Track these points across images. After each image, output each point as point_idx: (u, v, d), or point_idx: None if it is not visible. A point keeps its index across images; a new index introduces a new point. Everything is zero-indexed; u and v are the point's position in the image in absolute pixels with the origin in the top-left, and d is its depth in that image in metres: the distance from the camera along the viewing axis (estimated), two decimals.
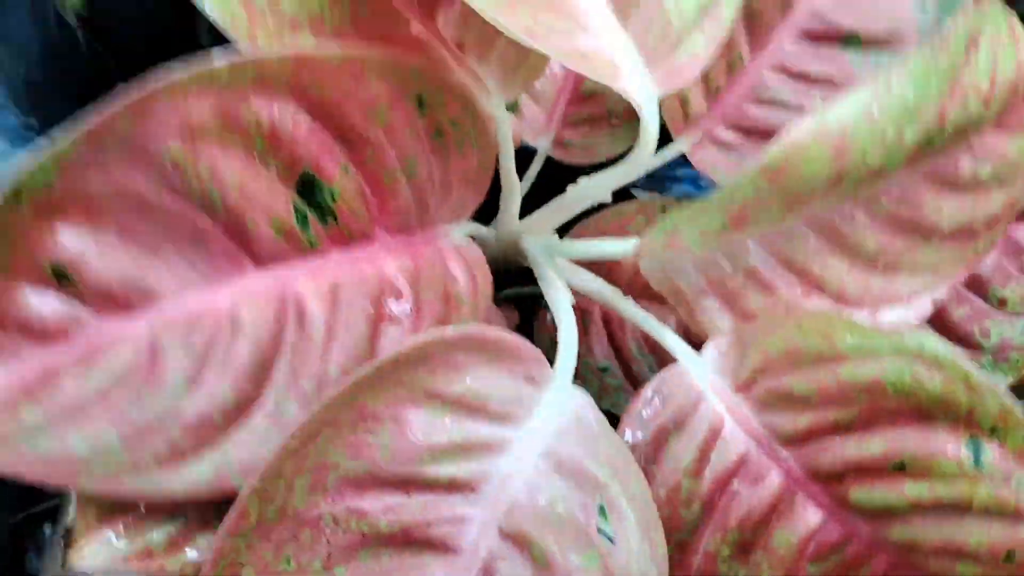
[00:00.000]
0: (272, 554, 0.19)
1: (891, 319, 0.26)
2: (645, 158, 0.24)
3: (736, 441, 0.24)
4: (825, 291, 0.26)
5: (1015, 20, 0.22)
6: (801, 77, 0.28)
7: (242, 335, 0.21)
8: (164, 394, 0.20)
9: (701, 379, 0.25)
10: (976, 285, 0.30)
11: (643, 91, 0.23)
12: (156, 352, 0.20)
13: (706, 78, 0.31)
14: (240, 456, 0.20)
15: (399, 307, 0.23)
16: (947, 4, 0.29)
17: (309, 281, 0.22)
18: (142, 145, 0.20)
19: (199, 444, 0.20)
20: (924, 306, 0.26)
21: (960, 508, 0.23)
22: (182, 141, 0.20)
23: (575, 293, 0.27)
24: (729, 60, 0.30)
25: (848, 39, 0.28)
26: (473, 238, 0.27)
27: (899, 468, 0.23)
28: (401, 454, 0.20)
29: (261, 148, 0.21)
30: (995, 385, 0.22)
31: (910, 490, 0.23)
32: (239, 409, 0.21)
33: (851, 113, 0.20)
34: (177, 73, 0.20)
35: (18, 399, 0.18)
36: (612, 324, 0.32)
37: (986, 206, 0.25)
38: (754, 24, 0.30)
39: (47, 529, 0.52)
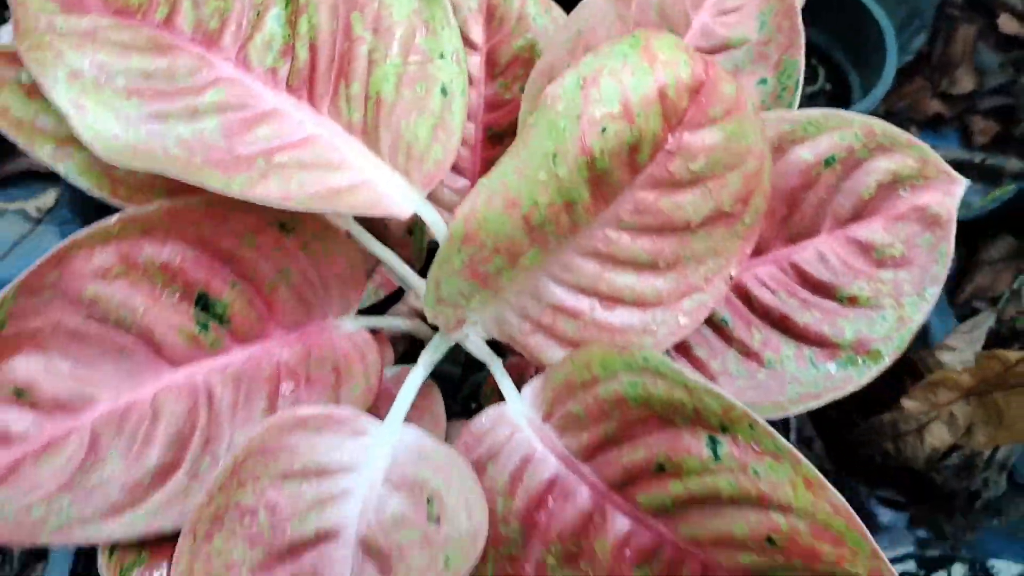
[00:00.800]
0: None
1: (692, 306, 0.28)
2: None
3: (547, 463, 0.28)
4: (624, 302, 0.28)
5: (656, 42, 0.25)
6: None
7: (162, 419, 0.28)
8: (104, 467, 0.28)
9: (517, 414, 0.29)
10: (821, 290, 0.31)
11: (409, 198, 0.28)
12: (96, 439, 0.27)
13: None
14: (166, 505, 0.27)
15: (288, 387, 0.31)
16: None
17: (216, 373, 0.29)
18: (65, 289, 0.27)
19: (134, 500, 0.27)
20: (719, 286, 0.28)
21: (714, 500, 0.25)
22: (97, 282, 0.27)
23: None
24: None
25: None
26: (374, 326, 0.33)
27: (660, 469, 0.25)
28: (280, 529, 0.26)
29: (161, 280, 0.28)
30: (711, 385, 0.24)
31: (672, 488, 0.25)
32: (163, 473, 0.28)
33: (505, 174, 0.24)
34: (83, 231, 0.27)
35: None
36: None
37: (725, 189, 0.27)
38: None
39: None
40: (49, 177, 0.77)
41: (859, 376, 0.30)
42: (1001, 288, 0.63)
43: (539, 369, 0.30)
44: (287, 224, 0.30)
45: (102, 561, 0.27)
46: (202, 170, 0.26)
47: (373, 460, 0.27)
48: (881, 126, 0.30)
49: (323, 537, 0.26)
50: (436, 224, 0.29)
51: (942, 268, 0.30)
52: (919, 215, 0.30)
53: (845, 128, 0.30)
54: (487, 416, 0.30)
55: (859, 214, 0.31)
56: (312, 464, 0.26)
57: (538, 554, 0.28)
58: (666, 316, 0.28)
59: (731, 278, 0.28)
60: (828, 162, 0.30)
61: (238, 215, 0.29)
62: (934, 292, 0.30)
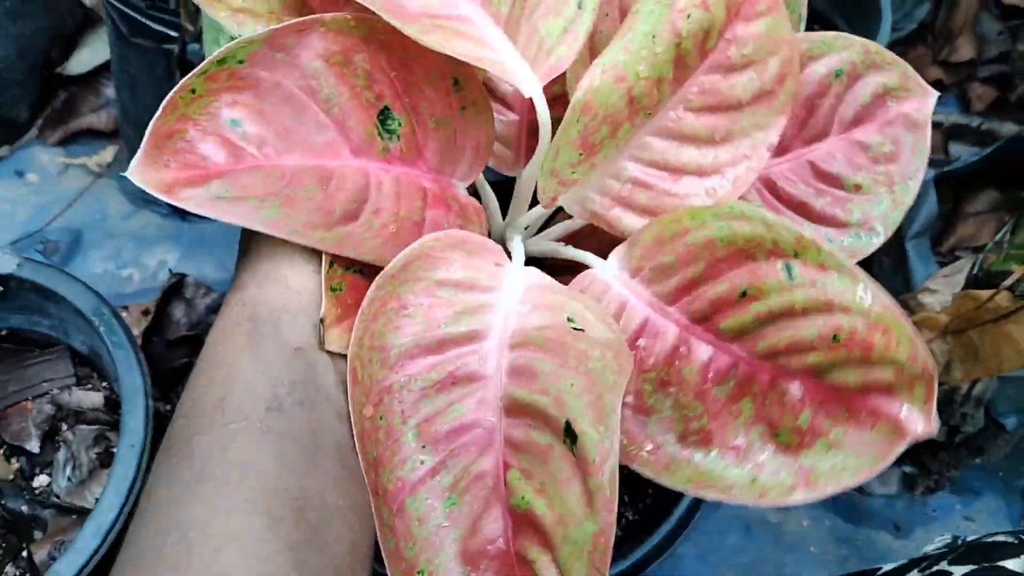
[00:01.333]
0: (371, 411, 0.29)
1: (740, 172, 0.35)
2: (547, 135, 0.35)
3: (638, 310, 0.34)
4: (687, 172, 0.35)
5: None
6: None
7: (346, 183, 0.31)
8: (303, 191, 0.30)
9: (607, 274, 0.35)
10: (831, 180, 0.39)
11: (530, 82, 0.34)
12: (295, 177, 0.30)
13: None
14: (348, 238, 0.31)
15: (432, 212, 0.34)
16: None
17: (383, 172, 0.33)
18: (296, 56, 0.30)
19: (326, 224, 0.30)
20: (763, 154, 0.35)
21: (791, 313, 0.31)
22: (321, 60, 0.31)
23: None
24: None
25: None
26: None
27: (743, 296, 0.32)
28: (431, 325, 0.30)
29: (364, 82, 0.32)
30: (785, 220, 0.31)
31: (755, 308, 0.32)
32: (346, 217, 0.31)
33: (614, 53, 0.31)
34: (326, 17, 0.31)
35: (211, 179, 0.29)
36: None
37: (767, 72, 0.34)
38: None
39: None
40: (108, 135, 0.81)
41: (865, 247, 0.38)
42: (984, 238, 0.69)
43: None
44: (459, 81, 0.34)
45: (324, 267, 0.30)
46: (383, 11, 0.30)
47: (511, 285, 0.33)
48: (874, 46, 0.38)
49: (471, 337, 0.31)
50: (544, 112, 0.35)
51: (921, 161, 0.39)
52: (903, 120, 0.39)
53: (849, 48, 0.38)
54: (580, 280, 0.36)
55: (859, 120, 0.39)
56: (465, 278, 0.31)
57: (636, 384, 0.33)
58: (722, 181, 0.35)
59: (771, 147, 0.35)
60: (837, 74, 0.38)
61: (428, 59, 0.33)
62: (916, 180, 0.38)
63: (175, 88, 0.28)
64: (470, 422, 0.30)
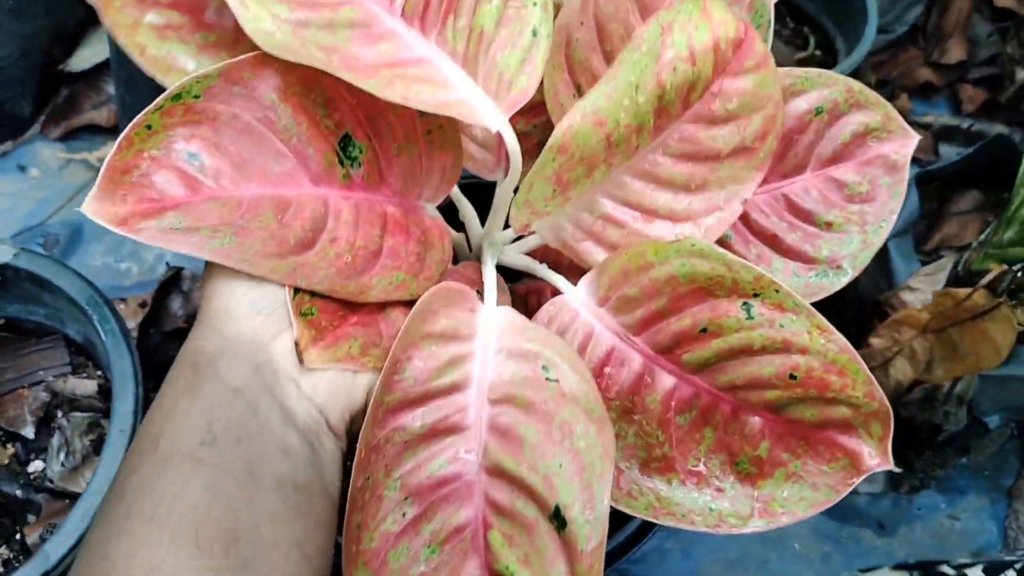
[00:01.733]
0: (360, 481, 0.30)
1: (712, 222, 0.36)
2: (517, 162, 0.36)
3: (604, 338, 0.35)
4: (660, 216, 0.36)
5: (711, 4, 0.32)
6: None
7: (301, 214, 0.31)
8: (257, 220, 0.30)
9: (576, 301, 0.36)
10: (803, 216, 0.39)
11: (495, 118, 0.34)
12: (252, 206, 0.30)
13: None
14: (302, 267, 0.31)
15: (392, 240, 0.34)
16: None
17: (342, 199, 0.33)
18: (253, 89, 0.30)
19: (281, 253, 0.30)
20: (736, 207, 0.36)
21: (749, 351, 0.32)
22: (278, 92, 0.31)
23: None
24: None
25: None
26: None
27: (704, 331, 0.33)
28: (417, 380, 0.31)
29: (323, 112, 0.32)
30: (745, 262, 0.32)
31: (714, 345, 0.33)
32: (301, 246, 0.31)
33: (596, 98, 0.31)
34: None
35: (166, 211, 0.29)
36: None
37: (749, 127, 0.35)
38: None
39: None
40: (109, 130, 0.82)
41: (830, 285, 0.39)
42: (968, 238, 0.68)
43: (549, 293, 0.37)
44: (427, 123, 0.35)
45: (288, 296, 0.31)
46: (340, 70, 0.31)
47: (486, 332, 0.33)
48: (858, 86, 0.39)
49: (452, 389, 0.32)
50: (512, 143, 0.35)
51: (897, 204, 0.39)
52: (882, 161, 0.39)
53: (832, 85, 0.38)
54: (552, 305, 0.36)
55: (837, 157, 0.40)
56: (448, 328, 0.32)
57: None
58: (693, 230, 0.36)
59: (745, 202, 0.36)
60: (818, 111, 0.39)
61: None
62: (890, 222, 0.39)
63: (130, 125, 0.29)
64: (451, 474, 0.31)
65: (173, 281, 0.71)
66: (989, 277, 0.52)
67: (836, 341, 0.31)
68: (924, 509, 0.69)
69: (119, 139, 0.28)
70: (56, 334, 0.60)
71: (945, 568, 0.40)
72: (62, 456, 0.56)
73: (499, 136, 0.35)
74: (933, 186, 0.70)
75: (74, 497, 0.55)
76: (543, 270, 0.38)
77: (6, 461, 0.56)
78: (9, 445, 0.57)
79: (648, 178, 0.36)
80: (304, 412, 0.31)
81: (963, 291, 0.52)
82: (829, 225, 0.39)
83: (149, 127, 0.29)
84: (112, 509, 0.28)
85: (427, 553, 0.30)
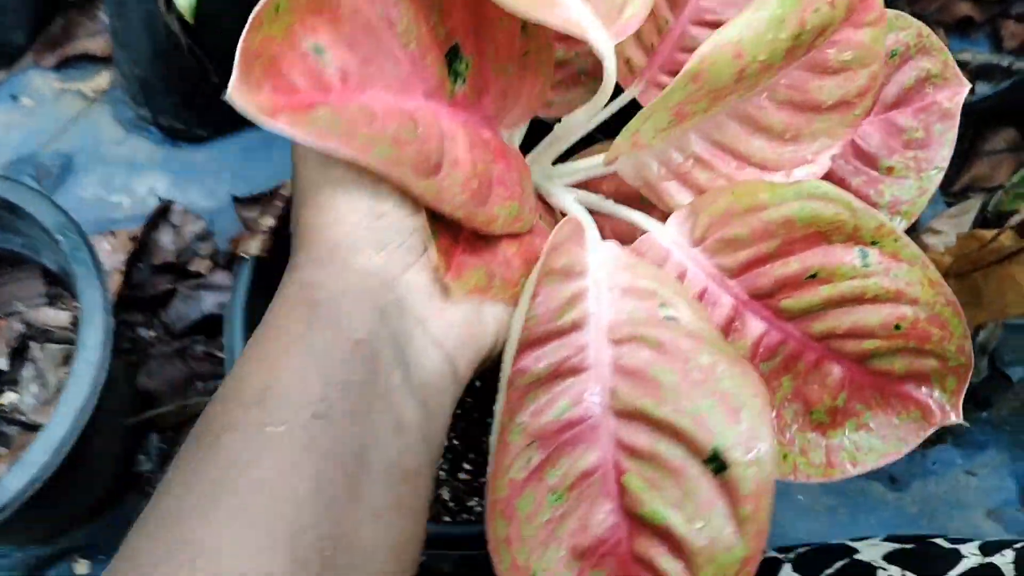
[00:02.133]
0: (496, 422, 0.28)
1: (802, 175, 0.35)
2: (609, 88, 0.33)
3: (697, 279, 0.33)
4: (752, 163, 0.34)
5: None
6: (716, 24, 0.37)
7: (429, 130, 0.28)
8: (407, 136, 0.26)
9: (667, 240, 0.34)
10: (868, 160, 0.39)
11: (602, 41, 0.32)
12: (387, 119, 0.26)
13: (642, 40, 0.39)
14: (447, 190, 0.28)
15: (498, 167, 0.31)
16: None
17: (452, 120, 0.29)
18: None
19: (428, 172, 0.27)
20: (825, 162, 0.35)
21: (859, 299, 0.32)
22: None
23: None
24: (657, 24, 0.39)
25: None
26: None
27: (812, 277, 0.32)
28: (540, 319, 0.29)
29: (437, 17, 0.28)
30: (870, 208, 0.31)
31: (823, 291, 0.32)
32: (435, 168, 0.28)
33: (742, 26, 0.29)
34: None
35: (316, 104, 0.25)
36: None
37: (855, 82, 0.34)
38: None
39: (154, 437, 0.62)
40: (103, 60, 0.79)
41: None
42: (999, 179, 0.64)
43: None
44: (527, 27, 0.31)
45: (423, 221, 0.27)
46: None
47: (596, 269, 0.31)
48: (926, 30, 0.38)
49: (571, 328, 0.29)
50: (612, 70, 0.32)
51: (948, 151, 0.40)
52: (937, 108, 0.40)
53: (907, 28, 0.38)
54: (641, 244, 0.34)
55: (899, 102, 0.39)
56: (565, 265, 0.30)
57: None
58: (781, 179, 0.35)
59: (833, 158, 0.35)
60: (892, 54, 0.38)
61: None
62: (942, 169, 0.40)
63: (261, 2, 0.23)
64: (576, 417, 0.29)
65: (163, 214, 0.70)
66: (1019, 217, 0.49)
67: (944, 294, 0.31)
68: (939, 464, 0.66)
69: (251, 17, 0.23)
70: (32, 264, 0.58)
71: (939, 541, 0.43)
72: (35, 388, 0.55)
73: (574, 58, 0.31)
74: (966, 123, 0.66)
75: None
76: (627, 211, 0.35)
77: None
78: None
79: (747, 121, 0.34)
80: (432, 363, 0.27)
81: (989, 232, 0.49)
82: (890, 170, 0.39)
83: (277, 8, 0.23)
84: (204, 470, 0.23)
85: (552, 500, 0.28)
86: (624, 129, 0.32)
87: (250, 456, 0.23)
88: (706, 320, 0.30)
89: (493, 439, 0.28)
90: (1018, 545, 0.40)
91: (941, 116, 0.40)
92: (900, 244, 0.31)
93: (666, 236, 0.34)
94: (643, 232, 0.35)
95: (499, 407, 0.27)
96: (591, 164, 0.37)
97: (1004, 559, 0.41)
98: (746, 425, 0.27)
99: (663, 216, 0.36)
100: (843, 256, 0.32)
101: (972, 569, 0.41)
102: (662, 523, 0.27)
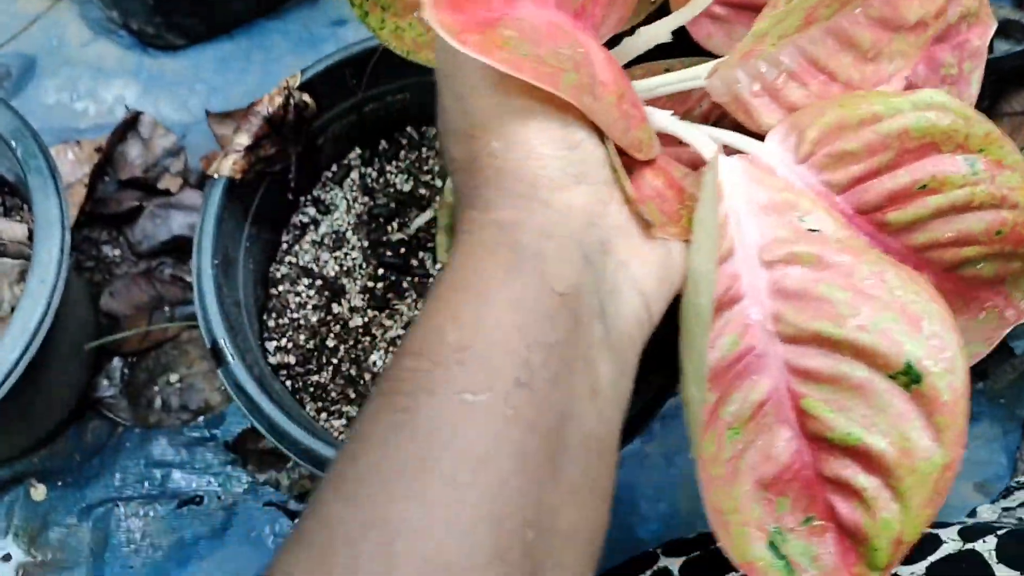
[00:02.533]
0: None
1: None
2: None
3: (805, 198, 0.33)
4: (838, 80, 0.34)
5: None
6: None
7: (579, 48, 0.25)
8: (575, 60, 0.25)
9: (769, 158, 0.33)
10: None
11: None
12: (553, 38, 0.24)
13: None
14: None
15: (621, 87, 0.28)
16: None
17: (583, 34, 0.27)
18: None
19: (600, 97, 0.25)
20: (898, 83, 0.35)
21: (967, 207, 0.32)
22: None
23: None
24: None
25: None
26: None
27: (922, 188, 0.32)
28: None
29: None
30: (981, 115, 0.32)
31: (932, 202, 0.32)
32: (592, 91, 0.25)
33: None
34: None
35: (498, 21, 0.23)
36: None
37: (934, 2, 0.34)
38: None
39: (117, 360, 0.57)
40: None
41: None
42: (1020, 141, 0.62)
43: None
44: None
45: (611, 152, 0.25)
46: None
47: (730, 186, 0.29)
48: None
49: (722, 257, 0.28)
50: None
51: (976, 89, 0.41)
52: (969, 45, 0.40)
53: None
54: (739, 161, 0.33)
55: (941, 37, 0.40)
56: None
57: None
58: None
59: (906, 81, 0.35)
60: None
61: None
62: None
63: None
64: (742, 351, 0.28)
65: (131, 125, 0.66)
66: None
67: None
68: None
69: None
70: None
71: None
72: None
73: None
74: (985, 82, 0.66)
75: None
76: (723, 132, 0.34)
77: None
78: None
79: (840, 37, 0.33)
80: (631, 311, 0.24)
81: None
82: None
83: None
84: (401, 437, 0.21)
85: (731, 435, 0.27)
86: (750, 33, 0.30)
87: (451, 427, 0.21)
88: (847, 227, 0.30)
89: None
90: (1001, 531, 0.41)
91: (972, 54, 0.41)
92: (1005, 151, 0.32)
93: (769, 153, 0.33)
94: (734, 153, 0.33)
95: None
96: (680, 78, 0.35)
97: (986, 545, 0.41)
98: (931, 333, 0.27)
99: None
100: (951, 165, 0.32)
101: (951, 555, 0.41)
102: (855, 443, 0.27)
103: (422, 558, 0.19)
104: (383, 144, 0.63)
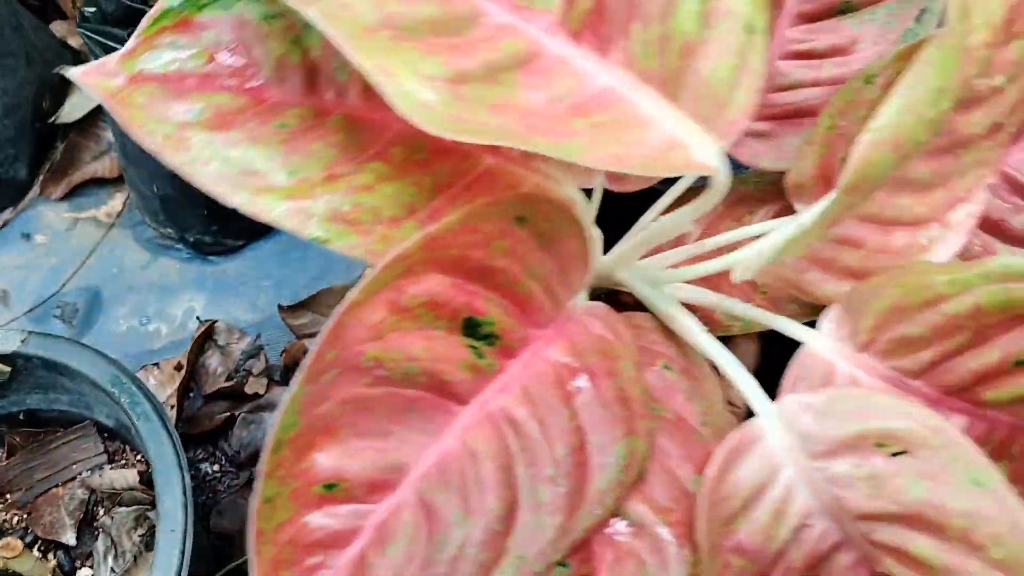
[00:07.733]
0: None
1: (960, 218, 0.30)
2: (717, 196, 0.28)
3: (875, 390, 0.28)
4: (901, 224, 0.30)
5: None
6: (810, 55, 0.31)
7: (480, 459, 0.25)
8: (452, 531, 0.24)
9: (825, 350, 0.29)
10: None
11: (709, 154, 0.25)
12: (429, 506, 0.24)
13: None
14: (526, 549, 0.25)
15: (577, 381, 0.27)
16: None
17: (505, 396, 0.26)
18: (345, 361, 0.24)
19: (496, 556, 0.25)
20: (981, 195, 0.30)
21: None
22: (373, 343, 0.24)
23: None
24: None
25: (843, 8, 0.31)
26: None
27: (1019, 364, 0.27)
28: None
29: (428, 318, 0.25)
30: None
31: None
32: (508, 516, 0.25)
33: (896, 113, 0.23)
34: (350, 294, 0.23)
35: None
36: None
37: (1006, 101, 0.29)
38: None
39: None
40: (113, 182, 0.74)
41: None
42: None
43: None
44: (522, 217, 0.27)
45: None
46: (528, 139, 0.23)
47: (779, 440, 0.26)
48: None
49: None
50: (726, 180, 0.26)
51: None
52: None
53: None
54: (797, 360, 0.29)
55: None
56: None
57: None
58: (942, 231, 0.29)
59: (991, 187, 0.29)
60: None
61: (483, 224, 0.26)
62: None
63: None
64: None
65: (207, 336, 0.65)
66: None
67: None
68: None
69: None
70: (84, 421, 0.53)
71: None
72: (111, 560, 0.50)
73: None
74: None
75: None
76: (760, 313, 0.30)
77: (49, 575, 0.49)
78: (50, 555, 0.51)
79: (889, 185, 0.28)
80: None
81: None
82: None
83: None
84: None
85: None
86: (753, 253, 0.27)
87: None
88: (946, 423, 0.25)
89: None
90: None
91: None
92: None
93: (823, 345, 0.29)
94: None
95: None
96: (717, 267, 0.31)
97: None
98: None
99: (801, 309, 0.31)
100: None
101: None
102: None
103: None
104: None
